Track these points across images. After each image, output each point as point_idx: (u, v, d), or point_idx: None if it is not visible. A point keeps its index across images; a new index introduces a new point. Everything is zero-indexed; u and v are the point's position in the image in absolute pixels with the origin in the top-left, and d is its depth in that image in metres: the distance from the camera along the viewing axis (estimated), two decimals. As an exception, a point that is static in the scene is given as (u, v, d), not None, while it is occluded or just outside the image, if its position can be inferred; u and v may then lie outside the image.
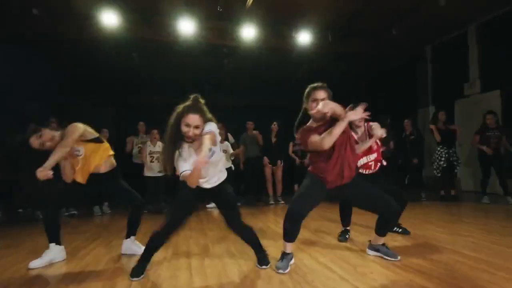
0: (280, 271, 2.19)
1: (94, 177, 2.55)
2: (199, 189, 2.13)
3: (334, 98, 2.22)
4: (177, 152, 1.98)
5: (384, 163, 3.06)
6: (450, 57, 7.00)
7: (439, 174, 5.46)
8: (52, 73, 7.06)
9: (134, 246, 2.72)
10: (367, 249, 2.59)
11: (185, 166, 1.93)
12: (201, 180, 2.10)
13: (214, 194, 2.24)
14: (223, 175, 2.25)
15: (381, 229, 2.44)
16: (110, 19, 5.41)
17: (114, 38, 5.76)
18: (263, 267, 2.29)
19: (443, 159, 5.40)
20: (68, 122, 2.48)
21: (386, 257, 2.42)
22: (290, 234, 2.27)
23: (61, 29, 5.63)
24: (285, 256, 2.29)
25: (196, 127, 1.97)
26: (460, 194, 6.07)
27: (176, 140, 2.01)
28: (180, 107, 2.03)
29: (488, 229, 3.29)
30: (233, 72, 7.73)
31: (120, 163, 2.75)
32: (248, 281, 2.07)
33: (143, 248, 2.28)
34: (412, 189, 6.01)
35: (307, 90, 2.29)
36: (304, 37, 6.39)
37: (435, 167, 5.49)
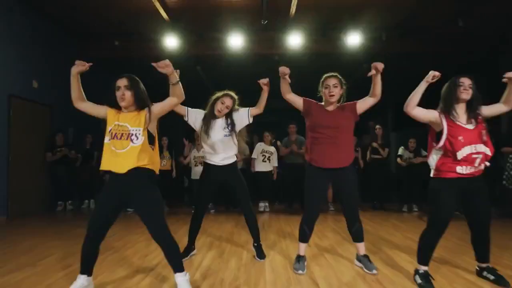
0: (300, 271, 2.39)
1: None
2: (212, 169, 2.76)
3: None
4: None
5: (488, 164, 2.19)
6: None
7: (511, 186, 4.61)
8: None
9: None
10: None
11: None
12: (212, 158, 2.74)
13: (226, 174, 2.75)
14: (232, 159, 2.81)
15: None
16: (171, 41, 6.30)
17: (174, 56, 6.64)
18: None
19: (512, 167, 4.55)
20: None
21: (366, 270, 2.43)
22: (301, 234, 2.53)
23: (129, 53, 6.79)
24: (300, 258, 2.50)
25: (227, 107, 2.75)
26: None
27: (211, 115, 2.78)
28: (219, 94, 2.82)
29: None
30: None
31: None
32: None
33: None
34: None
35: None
36: (353, 39, 6.18)
37: (504, 177, 4.66)
